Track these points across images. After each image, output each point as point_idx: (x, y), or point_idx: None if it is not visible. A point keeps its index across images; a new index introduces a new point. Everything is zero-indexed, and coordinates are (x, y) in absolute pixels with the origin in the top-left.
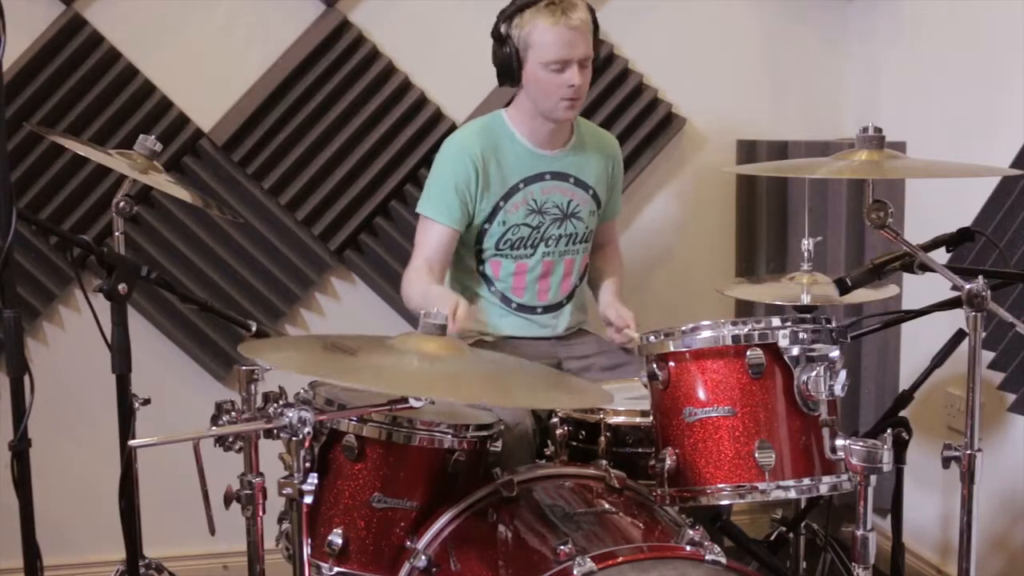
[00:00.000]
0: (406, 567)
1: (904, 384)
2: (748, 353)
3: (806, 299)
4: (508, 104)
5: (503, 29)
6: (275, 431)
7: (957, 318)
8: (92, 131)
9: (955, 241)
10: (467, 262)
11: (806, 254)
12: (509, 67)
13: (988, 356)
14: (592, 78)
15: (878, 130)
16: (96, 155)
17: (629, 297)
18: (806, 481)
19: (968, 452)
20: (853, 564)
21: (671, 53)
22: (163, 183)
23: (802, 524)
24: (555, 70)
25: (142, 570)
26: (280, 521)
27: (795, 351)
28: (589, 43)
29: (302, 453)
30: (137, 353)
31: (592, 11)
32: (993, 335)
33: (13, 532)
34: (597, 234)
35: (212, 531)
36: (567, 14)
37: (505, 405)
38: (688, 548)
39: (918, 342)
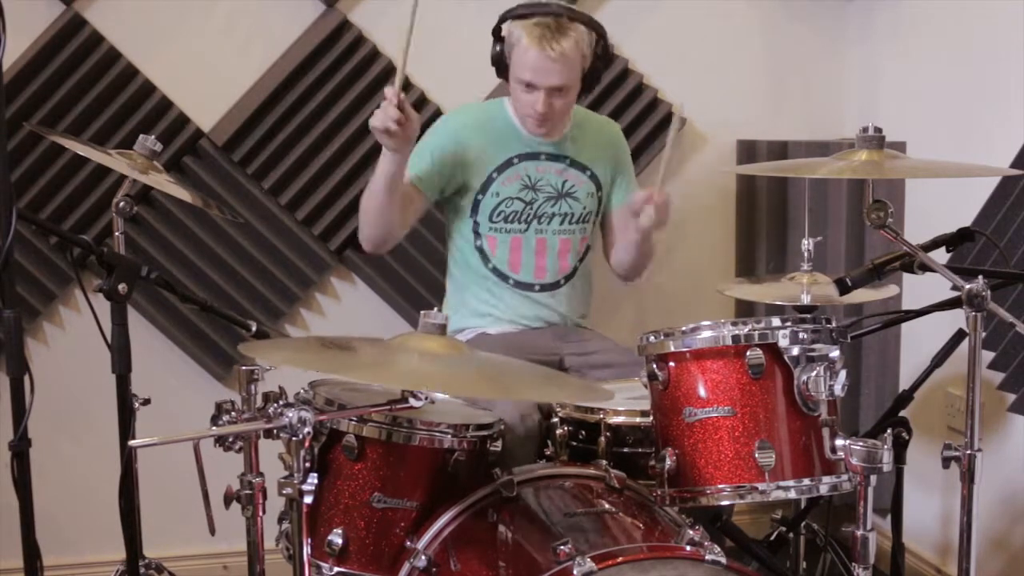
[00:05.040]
0: (406, 567)
1: (904, 384)
2: (748, 353)
3: (806, 299)
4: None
5: (501, 28)
6: (275, 431)
7: (957, 318)
8: (92, 131)
9: (955, 241)
10: (465, 235)
11: (806, 254)
12: (497, 66)
13: (988, 356)
14: (593, 87)
15: (878, 130)
16: (96, 155)
17: (630, 297)
18: (806, 481)
19: (968, 452)
20: (853, 564)
21: (671, 53)
22: (163, 183)
23: (802, 524)
24: (525, 89)
25: (142, 570)
26: (280, 521)
27: (795, 351)
28: (571, 73)
29: (302, 453)
30: (137, 353)
31: (596, 35)
32: (993, 335)
33: (13, 532)
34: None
35: (212, 531)
36: (550, 42)
37: (505, 398)
38: (688, 548)
39: (918, 342)
